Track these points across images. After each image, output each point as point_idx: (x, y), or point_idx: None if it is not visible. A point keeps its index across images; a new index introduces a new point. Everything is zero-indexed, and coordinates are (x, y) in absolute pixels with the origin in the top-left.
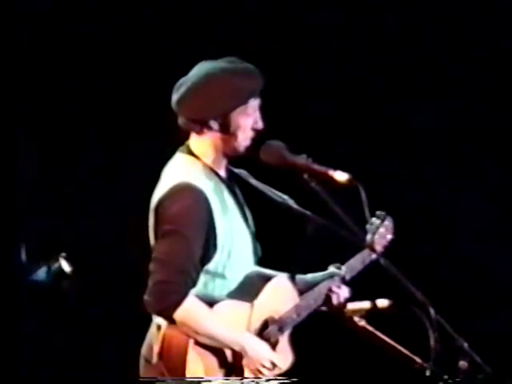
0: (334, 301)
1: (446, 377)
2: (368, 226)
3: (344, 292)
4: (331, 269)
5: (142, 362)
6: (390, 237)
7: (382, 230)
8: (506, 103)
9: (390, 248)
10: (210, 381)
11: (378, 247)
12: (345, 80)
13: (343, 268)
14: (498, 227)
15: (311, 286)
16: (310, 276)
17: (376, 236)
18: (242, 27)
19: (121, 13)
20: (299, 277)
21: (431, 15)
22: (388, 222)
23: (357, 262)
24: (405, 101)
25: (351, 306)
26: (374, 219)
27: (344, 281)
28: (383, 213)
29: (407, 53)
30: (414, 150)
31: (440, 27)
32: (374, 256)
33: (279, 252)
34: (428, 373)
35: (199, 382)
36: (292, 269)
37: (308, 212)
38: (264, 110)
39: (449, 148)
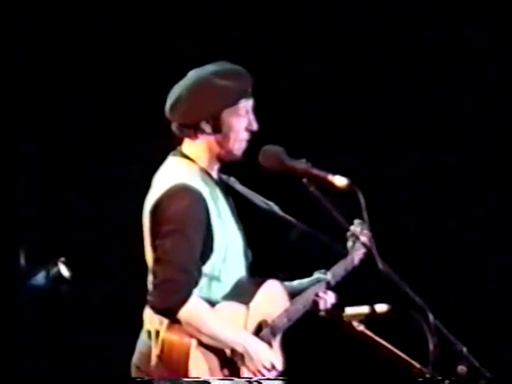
0: (321, 306)
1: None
2: (348, 234)
3: (330, 297)
4: (317, 275)
5: (133, 369)
6: (369, 244)
7: (362, 238)
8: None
9: (389, 252)
10: (205, 382)
11: (360, 255)
12: (344, 84)
13: (328, 274)
14: (497, 232)
15: (298, 291)
16: (296, 282)
17: (357, 244)
18: (240, 30)
19: (120, 18)
20: (286, 283)
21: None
22: (366, 231)
23: (340, 269)
24: (405, 104)
25: (350, 310)
26: (352, 228)
27: (329, 286)
28: (362, 221)
29: (407, 54)
30: (413, 154)
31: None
32: (356, 263)
33: (265, 257)
34: (427, 377)
35: (195, 382)
36: (277, 274)
37: (292, 218)
38: (263, 114)
39: (449, 152)
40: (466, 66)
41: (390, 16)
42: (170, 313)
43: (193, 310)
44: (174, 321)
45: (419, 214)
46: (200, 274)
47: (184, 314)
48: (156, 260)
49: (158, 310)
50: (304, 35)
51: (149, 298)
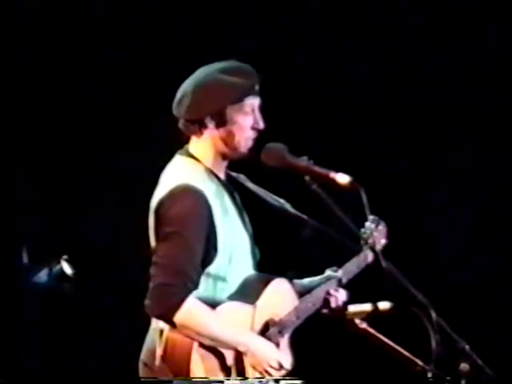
0: (332, 304)
1: (448, 378)
2: (362, 231)
3: (341, 295)
4: (328, 272)
5: (141, 366)
6: (384, 241)
7: (376, 234)
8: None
9: (391, 250)
10: (209, 381)
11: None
12: (347, 82)
13: (340, 271)
14: (499, 231)
15: (309, 289)
16: (307, 280)
17: (370, 241)
18: (244, 30)
19: (125, 17)
20: (297, 281)
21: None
22: (382, 227)
23: (353, 266)
24: (407, 102)
25: (353, 308)
26: (368, 224)
27: (341, 284)
28: (377, 218)
29: (408, 53)
30: (415, 151)
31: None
32: (369, 260)
33: (276, 256)
34: (429, 375)
35: (202, 382)
36: (288, 272)
37: (304, 216)
38: (265, 112)
39: (449, 149)
40: (467, 67)
41: (402, 21)
42: (165, 317)
43: (189, 312)
44: (171, 325)
45: (421, 211)
46: (199, 276)
47: (179, 317)
48: (154, 263)
49: (154, 315)
50: (309, 33)
51: (145, 302)
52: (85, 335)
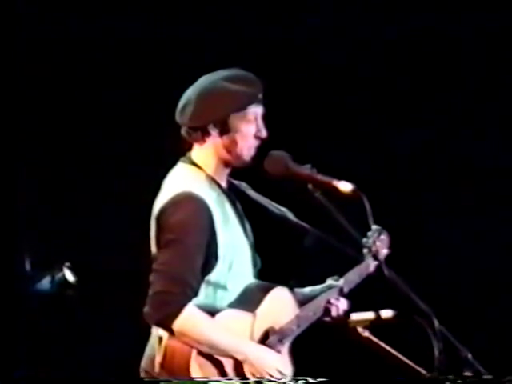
0: (333, 313)
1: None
2: (365, 241)
3: (343, 304)
4: (329, 281)
5: (142, 374)
6: (386, 251)
7: (378, 244)
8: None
9: (394, 259)
10: (214, 381)
11: (376, 262)
12: (350, 91)
13: (341, 280)
14: (500, 239)
15: (310, 298)
16: (308, 289)
17: (373, 250)
18: (248, 38)
19: (127, 22)
20: (298, 290)
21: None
22: (384, 237)
23: (354, 275)
24: (408, 111)
25: (355, 316)
26: (370, 233)
27: (342, 293)
28: (379, 227)
29: (409, 57)
30: (418, 160)
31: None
32: (371, 270)
33: (277, 264)
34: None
35: (204, 383)
36: (290, 281)
37: (306, 224)
38: (268, 120)
39: (450, 157)
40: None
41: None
42: (163, 325)
43: (187, 320)
44: (170, 332)
45: (424, 219)
46: (199, 284)
47: (178, 325)
48: (153, 270)
49: (152, 323)
50: (311, 41)
51: (144, 309)
52: (86, 342)
